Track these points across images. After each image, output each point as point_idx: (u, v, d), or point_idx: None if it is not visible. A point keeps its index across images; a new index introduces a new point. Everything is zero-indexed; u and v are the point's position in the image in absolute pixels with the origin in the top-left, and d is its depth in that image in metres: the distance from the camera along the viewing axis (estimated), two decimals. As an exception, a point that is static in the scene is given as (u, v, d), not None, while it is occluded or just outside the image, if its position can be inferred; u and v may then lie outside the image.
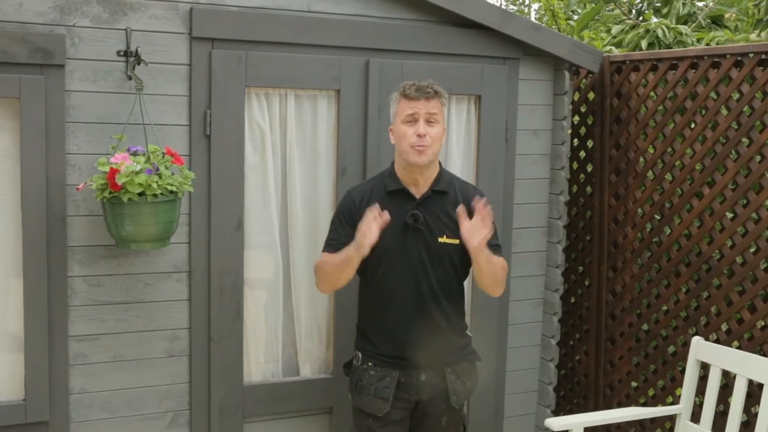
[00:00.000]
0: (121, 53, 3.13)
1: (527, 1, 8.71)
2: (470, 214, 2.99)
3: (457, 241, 3.01)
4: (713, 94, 3.62)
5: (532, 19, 8.82)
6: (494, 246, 3.04)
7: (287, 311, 3.63)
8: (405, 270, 3.01)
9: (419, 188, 3.04)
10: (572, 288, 4.47)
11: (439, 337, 3.07)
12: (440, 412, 3.10)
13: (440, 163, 3.12)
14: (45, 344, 3.14)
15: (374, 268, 3.04)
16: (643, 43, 4.93)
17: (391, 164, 3.13)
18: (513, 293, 4.08)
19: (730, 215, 3.58)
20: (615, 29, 5.39)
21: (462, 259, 3.06)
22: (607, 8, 6.09)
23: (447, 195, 3.06)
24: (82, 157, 3.14)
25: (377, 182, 3.13)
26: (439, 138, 2.98)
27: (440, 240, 3.02)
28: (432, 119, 2.95)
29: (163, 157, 3.01)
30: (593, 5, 6.13)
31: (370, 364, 3.09)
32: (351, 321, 3.60)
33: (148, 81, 3.14)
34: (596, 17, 6.29)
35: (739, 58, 3.43)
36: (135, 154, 2.99)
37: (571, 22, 7.13)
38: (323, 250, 3.09)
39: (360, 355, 3.14)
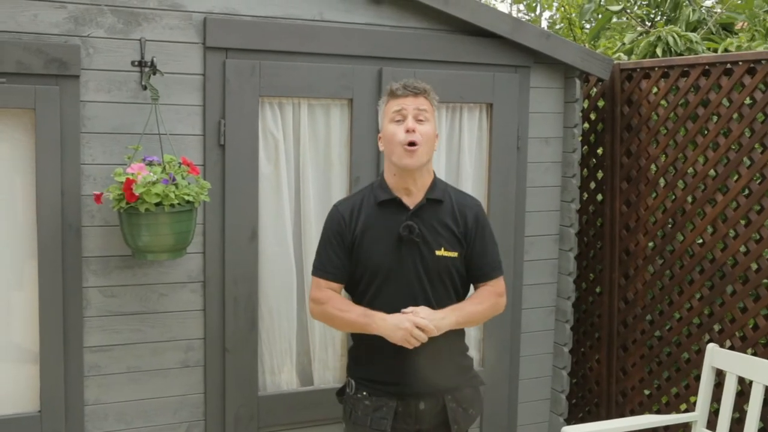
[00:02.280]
0: (136, 63, 3.14)
1: (538, 10, 8.72)
2: (465, 220, 2.85)
3: (455, 254, 2.81)
4: (725, 101, 3.62)
5: (543, 26, 8.83)
6: (494, 266, 2.91)
7: (301, 321, 3.62)
8: (400, 286, 2.77)
9: (412, 197, 2.80)
10: (583, 296, 4.46)
11: (438, 360, 2.82)
12: None
13: (434, 172, 2.90)
14: (60, 355, 3.13)
15: (367, 285, 2.82)
16: (658, 51, 4.94)
17: (380, 175, 2.90)
18: (525, 301, 4.07)
19: (743, 222, 3.58)
20: (628, 38, 5.39)
21: (461, 274, 2.87)
22: (617, 16, 6.11)
23: (443, 204, 2.83)
24: (96, 168, 3.14)
25: (366, 193, 2.88)
26: (430, 138, 2.74)
27: (438, 253, 2.78)
28: (421, 116, 2.72)
29: (179, 167, 3.00)
30: (607, 13, 6.14)
31: (364, 393, 2.84)
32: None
33: (163, 91, 3.14)
34: (607, 26, 6.30)
35: (752, 65, 3.43)
36: (150, 164, 2.99)
37: (586, 30, 7.14)
38: (315, 275, 2.86)
39: (353, 383, 2.89)
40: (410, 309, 2.71)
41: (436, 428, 2.88)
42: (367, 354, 2.87)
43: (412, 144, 2.70)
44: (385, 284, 2.79)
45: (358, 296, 2.87)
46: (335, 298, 2.83)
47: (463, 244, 2.84)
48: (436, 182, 2.86)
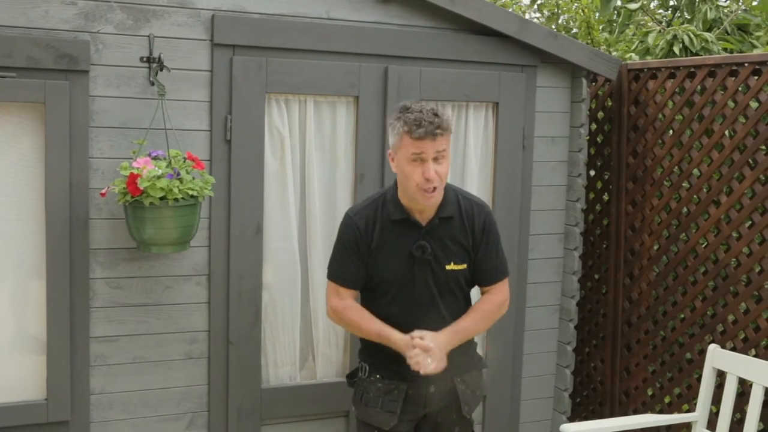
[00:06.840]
0: (144, 59, 3.19)
1: (557, 10, 8.64)
2: (473, 230, 2.89)
3: (464, 266, 2.90)
4: (731, 102, 3.62)
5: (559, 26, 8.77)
6: (498, 270, 2.95)
7: (305, 315, 3.67)
8: (412, 298, 2.87)
9: (424, 215, 2.83)
10: (589, 295, 4.47)
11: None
12: (452, 423, 3.01)
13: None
14: (67, 345, 3.19)
15: (382, 294, 2.91)
16: (675, 49, 4.93)
17: (393, 187, 2.88)
18: (529, 299, 4.09)
19: (747, 224, 3.57)
20: (650, 37, 5.34)
21: (468, 282, 2.96)
22: (635, 12, 6.08)
23: (453, 219, 2.87)
24: (104, 161, 3.20)
25: (379, 206, 2.88)
26: (447, 173, 2.74)
27: (448, 267, 2.87)
28: (440, 156, 2.68)
29: (184, 162, 3.05)
30: (625, 11, 6.12)
31: (378, 376, 2.95)
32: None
33: (170, 87, 3.20)
34: (627, 22, 6.27)
35: (757, 66, 3.43)
36: (156, 158, 3.04)
37: (605, 34, 7.08)
38: (331, 279, 2.92)
39: (366, 366, 2.99)
40: (418, 333, 2.75)
41: (446, 409, 2.98)
42: (379, 345, 2.91)
43: (431, 188, 2.70)
44: (399, 296, 2.89)
45: (372, 301, 2.94)
46: (353, 307, 2.91)
47: (471, 254, 2.91)
48: (447, 197, 2.86)
